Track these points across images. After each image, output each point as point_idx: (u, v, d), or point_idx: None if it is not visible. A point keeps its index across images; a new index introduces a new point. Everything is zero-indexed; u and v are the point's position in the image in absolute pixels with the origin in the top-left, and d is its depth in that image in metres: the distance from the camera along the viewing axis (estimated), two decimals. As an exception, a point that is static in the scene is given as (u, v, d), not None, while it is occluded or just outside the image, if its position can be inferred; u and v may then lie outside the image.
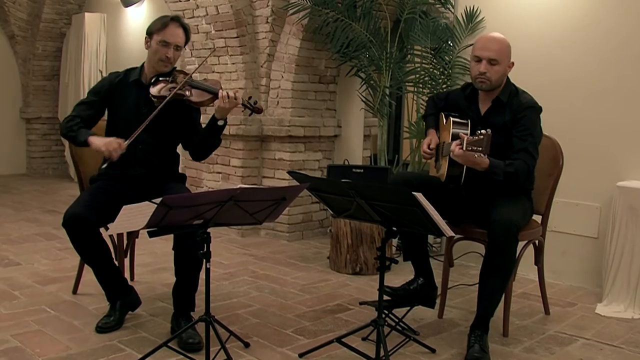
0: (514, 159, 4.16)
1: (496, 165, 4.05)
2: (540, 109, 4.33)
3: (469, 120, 4.33)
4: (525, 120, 4.24)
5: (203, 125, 4.57)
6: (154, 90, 4.41)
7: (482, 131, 3.74)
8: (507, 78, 4.43)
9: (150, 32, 4.48)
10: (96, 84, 4.70)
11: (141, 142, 4.36)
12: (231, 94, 4.33)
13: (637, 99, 5.35)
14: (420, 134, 6.50)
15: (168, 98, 4.31)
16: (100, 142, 4.18)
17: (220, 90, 4.37)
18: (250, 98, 4.53)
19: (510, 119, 4.29)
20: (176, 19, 4.48)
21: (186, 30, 4.52)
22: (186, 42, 4.56)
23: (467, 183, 4.25)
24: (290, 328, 4.48)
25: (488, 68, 4.27)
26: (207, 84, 4.50)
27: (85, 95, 4.70)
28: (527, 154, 4.18)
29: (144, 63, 4.59)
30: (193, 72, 4.57)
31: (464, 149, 3.78)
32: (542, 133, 4.37)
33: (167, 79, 4.48)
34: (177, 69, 4.60)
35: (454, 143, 3.91)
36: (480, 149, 3.74)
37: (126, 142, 4.18)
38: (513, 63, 4.38)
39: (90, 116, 4.49)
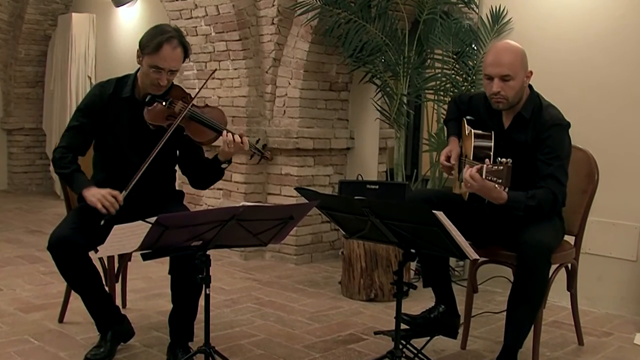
0: (540, 186, 4.13)
1: (516, 200, 4.00)
2: (567, 125, 4.27)
3: (493, 133, 4.31)
4: (549, 141, 4.19)
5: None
6: (149, 117, 4.31)
7: (502, 160, 3.68)
8: (531, 88, 4.39)
9: (142, 48, 4.30)
10: (85, 100, 4.55)
11: (136, 167, 4.26)
12: (237, 138, 4.27)
13: (681, 107, 5.37)
14: (441, 147, 6.50)
15: (167, 134, 4.23)
16: (94, 198, 4.12)
17: (225, 133, 4.30)
18: (258, 141, 4.45)
19: (533, 138, 4.25)
20: (173, 38, 4.25)
21: (185, 49, 4.33)
22: (184, 59, 4.39)
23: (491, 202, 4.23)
24: (298, 360, 4.50)
25: (502, 86, 4.19)
26: (211, 118, 4.38)
27: (72, 109, 4.66)
28: (554, 180, 4.14)
29: (137, 74, 4.46)
30: (193, 100, 4.39)
31: (483, 177, 3.71)
32: (570, 151, 4.31)
33: (164, 104, 4.35)
34: (175, 85, 4.49)
35: (472, 169, 3.83)
36: (500, 180, 3.67)
37: (123, 193, 4.14)
38: (531, 72, 4.30)
39: (82, 143, 4.46)
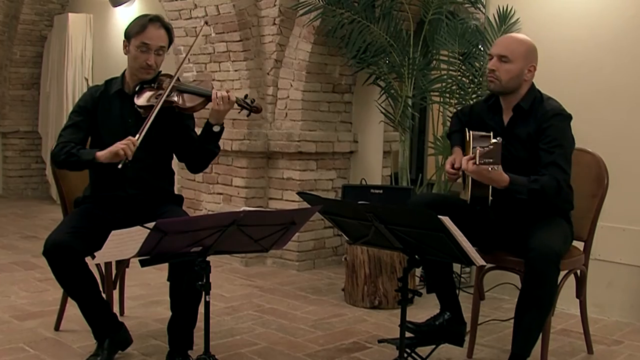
0: (542, 174, 4.16)
1: (518, 183, 4.05)
2: (569, 117, 4.34)
3: (492, 133, 4.33)
4: (551, 129, 4.24)
5: (198, 133, 4.63)
6: (139, 101, 4.44)
7: (493, 140, 3.76)
8: (533, 84, 4.44)
9: (128, 35, 4.50)
10: (77, 103, 4.72)
11: (132, 159, 4.34)
12: (224, 93, 4.37)
13: (693, 110, 5.37)
14: (447, 151, 6.49)
15: (156, 107, 4.32)
16: (108, 150, 4.17)
17: (214, 91, 4.40)
18: (246, 96, 4.55)
19: (535, 130, 4.30)
20: (156, 19, 4.49)
21: (169, 31, 4.54)
22: (169, 45, 4.58)
23: (495, 205, 4.24)
24: (300, 369, 4.50)
25: (497, 65, 4.33)
26: (198, 86, 4.55)
27: (68, 112, 4.71)
28: (556, 167, 4.17)
29: (124, 71, 4.62)
30: (177, 74, 4.57)
31: (477, 163, 3.76)
32: (573, 142, 4.37)
33: (153, 85, 4.51)
34: (163, 72, 4.62)
35: (466, 158, 3.93)
36: (491, 160, 3.72)
37: (137, 137, 4.20)
38: (534, 67, 4.38)
39: (81, 139, 4.50)
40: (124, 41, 4.52)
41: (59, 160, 4.42)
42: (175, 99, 4.43)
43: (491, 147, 3.72)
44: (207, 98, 4.43)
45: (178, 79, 4.56)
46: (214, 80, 7.50)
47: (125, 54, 4.53)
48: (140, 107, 4.42)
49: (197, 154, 4.63)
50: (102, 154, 4.20)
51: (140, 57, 4.43)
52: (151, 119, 4.30)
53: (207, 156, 4.65)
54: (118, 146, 4.13)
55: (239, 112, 4.55)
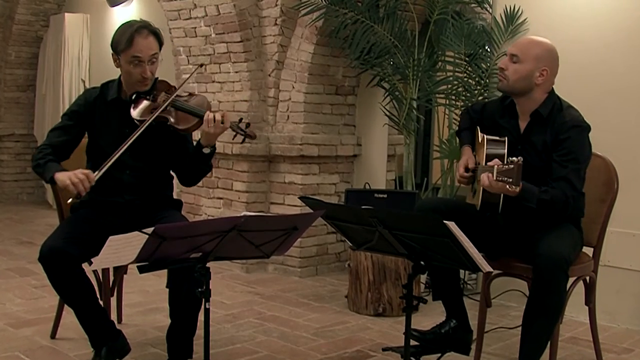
0: (552, 187, 4.15)
1: (529, 191, 4.04)
2: (588, 129, 4.30)
3: (506, 138, 4.33)
4: (568, 142, 4.21)
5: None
6: (135, 113, 4.42)
7: (513, 159, 3.75)
8: (553, 91, 4.41)
9: (115, 50, 4.45)
10: (71, 105, 4.71)
11: (129, 167, 4.40)
12: (218, 117, 4.30)
13: None
14: (453, 154, 6.50)
15: (147, 122, 4.31)
16: (64, 176, 4.12)
17: (207, 113, 4.34)
18: (241, 120, 4.47)
19: (552, 140, 4.27)
20: (141, 27, 4.40)
21: (157, 36, 4.46)
22: (160, 48, 4.51)
23: (505, 211, 4.23)
24: (302, 378, 4.50)
25: (507, 64, 4.34)
26: (193, 105, 4.47)
27: (63, 113, 4.69)
28: (567, 183, 4.15)
29: (120, 77, 4.59)
30: (176, 92, 4.49)
31: (495, 178, 3.78)
32: (590, 156, 4.35)
33: (149, 96, 4.48)
34: (159, 79, 4.61)
35: (484, 174, 3.92)
36: (511, 180, 3.74)
37: (96, 174, 4.16)
38: (547, 71, 4.31)
39: (65, 143, 4.51)
40: (112, 54, 4.49)
41: (32, 165, 4.45)
42: (170, 117, 4.40)
43: (511, 166, 3.73)
44: (202, 119, 4.37)
45: (175, 95, 4.51)
46: (214, 82, 7.52)
47: (117, 67, 4.50)
48: (136, 120, 4.41)
49: (189, 169, 4.63)
50: (58, 178, 4.15)
51: (135, 72, 4.40)
52: (133, 139, 4.28)
53: (198, 173, 4.66)
54: (71, 178, 4.08)
55: (233, 138, 4.50)
